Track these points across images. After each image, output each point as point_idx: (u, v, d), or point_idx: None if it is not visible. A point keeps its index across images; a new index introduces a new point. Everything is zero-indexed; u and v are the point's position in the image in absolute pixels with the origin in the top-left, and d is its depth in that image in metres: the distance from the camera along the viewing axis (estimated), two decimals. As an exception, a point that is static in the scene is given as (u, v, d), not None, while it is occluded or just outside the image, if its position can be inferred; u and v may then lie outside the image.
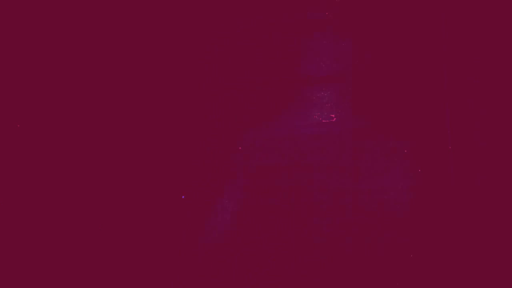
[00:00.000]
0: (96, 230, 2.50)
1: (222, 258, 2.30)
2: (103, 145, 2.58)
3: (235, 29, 2.47)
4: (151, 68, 2.61)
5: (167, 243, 2.43)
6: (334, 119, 2.28)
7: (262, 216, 2.32)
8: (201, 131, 2.48)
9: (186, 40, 2.58)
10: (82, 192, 2.57)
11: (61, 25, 2.66)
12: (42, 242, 2.54)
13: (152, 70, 2.61)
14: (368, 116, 2.31)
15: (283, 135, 2.32)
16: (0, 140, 2.60)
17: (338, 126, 2.27)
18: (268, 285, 2.25)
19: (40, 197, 2.57)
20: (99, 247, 2.52)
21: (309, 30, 2.34)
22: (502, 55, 2.36)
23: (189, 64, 2.56)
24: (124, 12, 2.62)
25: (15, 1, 2.65)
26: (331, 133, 2.25)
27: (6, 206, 2.57)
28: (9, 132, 2.60)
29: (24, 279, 2.51)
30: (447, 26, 2.36)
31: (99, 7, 2.65)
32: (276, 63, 2.39)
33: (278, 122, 2.36)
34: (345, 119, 2.29)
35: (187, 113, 2.53)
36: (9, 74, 2.65)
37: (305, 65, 2.32)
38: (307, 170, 2.25)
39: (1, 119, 2.61)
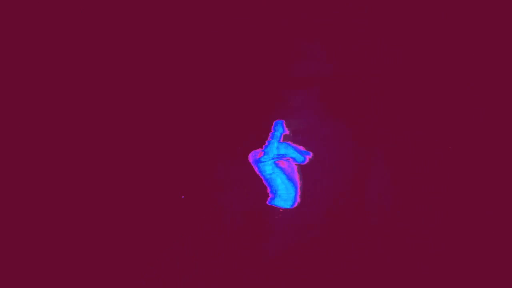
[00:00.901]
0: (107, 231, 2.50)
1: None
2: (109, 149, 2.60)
3: (221, 31, 2.50)
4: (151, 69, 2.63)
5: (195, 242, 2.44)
6: (313, 121, 2.31)
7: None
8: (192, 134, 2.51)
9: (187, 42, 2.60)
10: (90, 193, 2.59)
11: (61, 25, 2.66)
12: (43, 243, 2.51)
13: (151, 71, 2.64)
14: (348, 119, 2.33)
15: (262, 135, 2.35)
16: (0, 140, 2.59)
17: (318, 128, 2.29)
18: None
19: (40, 197, 2.55)
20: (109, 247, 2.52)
21: (297, 33, 2.37)
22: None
23: (178, 65, 2.59)
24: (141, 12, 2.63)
25: (15, 1, 2.64)
26: (312, 135, 2.28)
27: (6, 206, 2.55)
28: (9, 132, 2.59)
29: (24, 279, 2.49)
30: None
31: (99, 7, 2.65)
32: (260, 64, 2.42)
33: (259, 122, 2.39)
34: (325, 122, 2.31)
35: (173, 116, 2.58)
36: (9, 74, 2.63)
37: (289, 67, 2.35)
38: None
39: (1, 119, 2.60)
